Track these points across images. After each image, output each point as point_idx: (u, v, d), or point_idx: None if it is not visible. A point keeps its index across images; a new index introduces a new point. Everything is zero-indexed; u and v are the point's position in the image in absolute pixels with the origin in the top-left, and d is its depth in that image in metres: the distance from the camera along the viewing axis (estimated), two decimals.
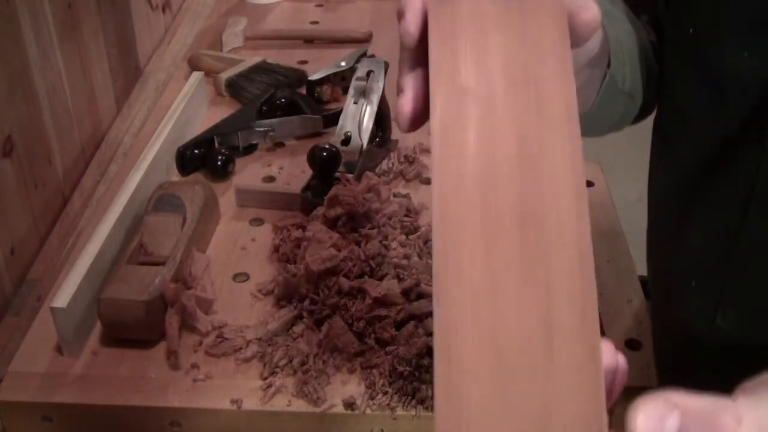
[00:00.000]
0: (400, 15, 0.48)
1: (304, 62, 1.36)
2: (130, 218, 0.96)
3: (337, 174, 1.03)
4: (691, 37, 0.63)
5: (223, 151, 1.11)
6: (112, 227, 0.92)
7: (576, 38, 0.50)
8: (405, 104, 0.48)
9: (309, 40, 1.44)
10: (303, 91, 1.26)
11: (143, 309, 0.83)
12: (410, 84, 0.48)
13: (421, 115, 0.47)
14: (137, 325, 0.84)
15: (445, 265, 0.39)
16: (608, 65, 0.63)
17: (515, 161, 0.41)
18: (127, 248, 0.91)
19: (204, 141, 1.12)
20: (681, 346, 0.73)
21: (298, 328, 0.85)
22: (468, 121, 0.42)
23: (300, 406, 0.79)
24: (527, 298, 0.38)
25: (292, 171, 1.11)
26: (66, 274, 0.87)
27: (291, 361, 0.82)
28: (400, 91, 0.49)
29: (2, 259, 0.94)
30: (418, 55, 0.47)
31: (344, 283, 0.86)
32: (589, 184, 1.09)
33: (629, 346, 0.87)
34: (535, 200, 0.40)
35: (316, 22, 1.51)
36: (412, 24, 0.47)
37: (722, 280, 0.65)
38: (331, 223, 0.94)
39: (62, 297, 0.82)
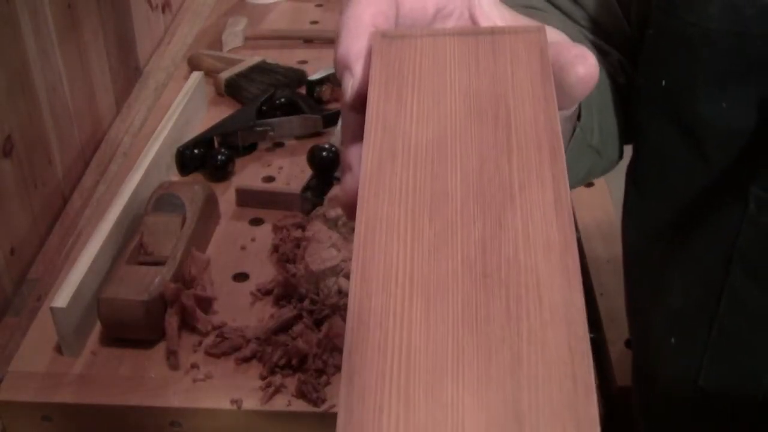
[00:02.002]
0: (344, 65, 0.37)
1: (304, 62, 1.36)
2: (130, 218, 0.96)
3: (337, 174, 1.03)
4: (665, 89, 0.58)
5: (222, 151, 1.11)
6: (112, 227, 0.92)
7: (566, 101, 0.39)
8: (353, 185, 0.36)
9: (309, 40, 1.44)
10: (303, 91, 1.26)
11: (143, 309, 0.83)
12: (359, 158, 0.35)
13: None
14: (137, 325, 0.84)
15: (364, 338, 0.29)
16: (578, 117, 0.55)
17: (479, 222, 0.32)
18: (126, 248, 0.91)
19: (204, 141, 1.12)
20: (662, 403, 0.70)
21: (298, 328, 0.85)
22: (400, 175, 0.33)
23: (300, 406, 0.79)
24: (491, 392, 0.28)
25: (291, 171, 1.11)
26: (66, 274, 0.87)
27: (291, 361, 0.82)
28: (347, 168, 0.37)
29: (2, 258, 0.94)
30: None
31: (344, 283, 0.86)
32: (589, 184, 1.09)
33: (629, 346, 0.87)
34: (503, 264, 0.31)
35: (316, 22, 1.51)
36: (361, 77, 0.36)
37: (704, 341, 0.60)
38: (331, 223, 0.94)
39: (62, 297, 0.82)
